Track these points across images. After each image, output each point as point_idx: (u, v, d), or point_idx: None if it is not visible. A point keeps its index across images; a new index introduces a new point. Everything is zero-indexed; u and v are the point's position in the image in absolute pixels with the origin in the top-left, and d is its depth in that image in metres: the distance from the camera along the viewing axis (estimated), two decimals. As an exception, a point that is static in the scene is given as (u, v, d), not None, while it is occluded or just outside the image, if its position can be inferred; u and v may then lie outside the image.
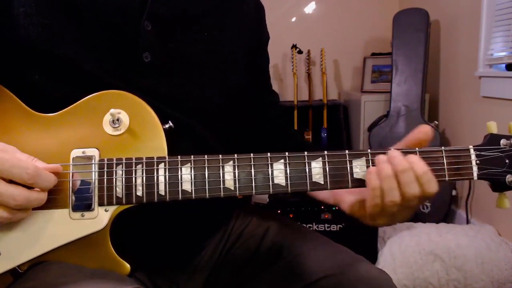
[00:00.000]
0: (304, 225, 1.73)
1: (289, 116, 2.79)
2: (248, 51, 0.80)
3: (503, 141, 0.62)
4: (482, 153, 0.62)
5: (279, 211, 1.81)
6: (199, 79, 0.72)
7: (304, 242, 0.75)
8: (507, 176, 0.62)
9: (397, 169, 0.58)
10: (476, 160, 0.62)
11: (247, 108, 0.81)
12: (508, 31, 1.87)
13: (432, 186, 0.59)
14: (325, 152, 0.61)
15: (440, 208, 2.23)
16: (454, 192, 2.25)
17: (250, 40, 0.81)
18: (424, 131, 0.62)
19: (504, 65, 1.92)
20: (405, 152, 0.60)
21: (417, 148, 0.62)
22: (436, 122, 2.37)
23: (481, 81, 2.02)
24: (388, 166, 0.59)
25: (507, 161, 0.62)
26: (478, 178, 0.62)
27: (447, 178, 0.61)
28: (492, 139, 0.63)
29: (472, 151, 0.62)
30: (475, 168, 0.62)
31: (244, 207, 0.87)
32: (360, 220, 0.66)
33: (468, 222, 2.12)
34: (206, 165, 0.60)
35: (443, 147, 0.62)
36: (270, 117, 0.89)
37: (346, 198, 0.69)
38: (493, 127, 0.63)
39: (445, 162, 0.61)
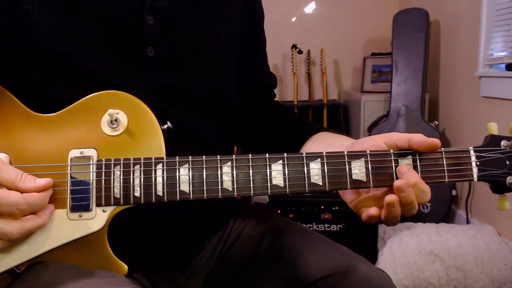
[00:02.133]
0: (304, 225, 1.73)
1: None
2: (245, 33, 0.80)
3: (503, 142, 0.61)
4: (482, 154, 0.61)
5: (279, 211, 1.81)
6: (202, 69, 0.72)
7: (304, 242, 0.74)
8: (508, 178, 0.61)
9: (403, 202, 0.57)
10: (476, 162, 0.61)
11: (248, 95, 0.82)
12: (508, 31, 1.86)
13: (426, 198, 0.58)
14: (324, 153, 0.60)
15: (440, 208, 2.23)
16: (454, 192, 2.25)
17: (246, 23, 0.80)
18: (435, 144, 0.59)
19: (504, 65, 1.92)
20: (404, 154, 0.60)
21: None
22: (436, 122, 2.37)
23: (481, 81, 2.02)
24: (397, 210, 0.57)
25: (507, 162, 0.61)
26: (478, 180, 0.61)
27: (446, 180, 0.60)
28: (493, 140, 0.62)
29: (472, 152, 0.61)
30: (475, 170, 0.61)
31: (243, 207, 0.87)
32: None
33: (468, 222, 2.12)
34: (204, 165, 0.59)
35: (443, 148, 0.61)
36: (269, 101, 0.89)
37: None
38: (494, 128, 0.63)
39: (444, 164, 0.60)
